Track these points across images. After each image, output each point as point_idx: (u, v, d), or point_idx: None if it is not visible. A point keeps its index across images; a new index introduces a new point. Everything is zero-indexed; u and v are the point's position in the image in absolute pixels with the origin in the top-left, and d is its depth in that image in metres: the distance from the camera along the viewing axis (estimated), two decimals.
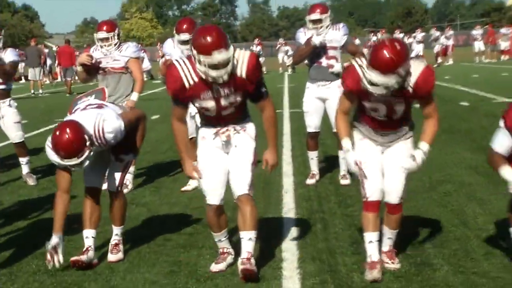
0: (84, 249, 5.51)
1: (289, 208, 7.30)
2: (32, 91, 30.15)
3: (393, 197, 5.09)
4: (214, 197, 5.13)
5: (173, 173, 9.53)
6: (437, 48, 37.03)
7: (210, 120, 5.12)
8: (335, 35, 8.12)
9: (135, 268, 5.51)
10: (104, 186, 5.90)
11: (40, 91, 31.01)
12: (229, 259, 5.34)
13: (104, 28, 8.37)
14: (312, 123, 8.48)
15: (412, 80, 4.71)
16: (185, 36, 7.90)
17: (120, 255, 5.70)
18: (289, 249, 5.87)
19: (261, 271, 5.25)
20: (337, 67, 8.19)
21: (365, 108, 4.98)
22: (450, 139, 11.35)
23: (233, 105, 5.00)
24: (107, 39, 8.31)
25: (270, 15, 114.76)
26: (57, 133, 5.02)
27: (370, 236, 5.00)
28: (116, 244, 5.74)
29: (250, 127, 5.22)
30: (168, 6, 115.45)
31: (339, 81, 8.21)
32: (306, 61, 8.53)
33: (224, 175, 5.14)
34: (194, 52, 4.67)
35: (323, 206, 7.29)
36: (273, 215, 6.97)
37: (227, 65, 4.65)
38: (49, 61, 37.62)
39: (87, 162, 5.21)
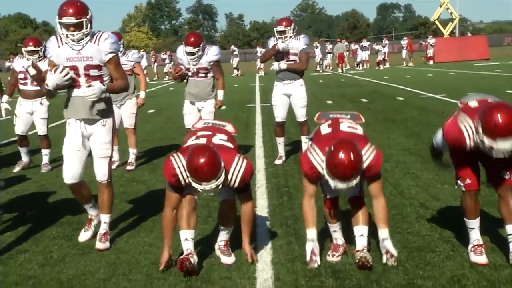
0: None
1: (261, 184, 7.29)
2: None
3: (354, 191, 4.50)
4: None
5: (167, 156, 9.42)
6: (379, 57, 37.24)
7: None
8: (296, 44, 8.16)
9: (136, 233, 5.49)
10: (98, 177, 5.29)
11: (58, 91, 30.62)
12: (195, 261, 4.39)
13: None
14: (279, 114, 8.53)
15: (365, 164, 4.19)
16: (190, 49, 7.86)
17: (107, 244, 5.12)
18: (262, 217, 5.87)
19: (238, 233, 5.23)
20: (285, 64, 8.26)
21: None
22: (389, 127, 11.45)
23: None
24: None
25: (243, 28, 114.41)
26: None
27: (333, 227, 4.72)
28: (105, 234, 5.16)
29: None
30: (160, 22, 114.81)
31: (300, 80, 8.31)
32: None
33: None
34: (188, 175, 4.15)
35: (289, 181, 7.30)
36: None
37: (217, 189, 4.19)
38: None
39: (81, 35, 4.82)
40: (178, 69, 8.10)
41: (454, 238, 4.94)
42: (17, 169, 9.00)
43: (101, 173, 5.22)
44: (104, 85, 4.97)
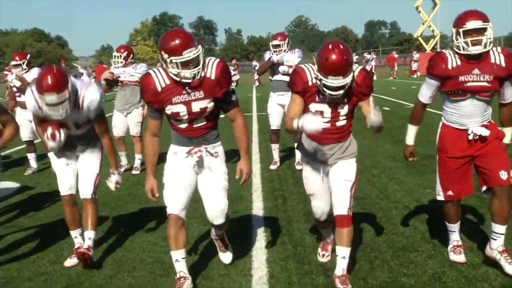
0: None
1: (257, 187, 7.27)
2: None
3: (342, 209, 3.96)
4: (174, 208, 3.99)
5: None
6: (368, 67, 37.17)
7: (183, 137, 4.06)
8: (291, 57, 8.16)
9: (140, 233, 5.47)
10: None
11: None
12: (186, 285, 3.94)
13: (122, 50, 8.57)
14: (274, 122, 8.55)
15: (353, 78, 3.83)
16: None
17: (90, 253, 4.60)
18: (257, 218, 5.87)
19: (236, 233, 5.23)
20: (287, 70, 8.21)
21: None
22: (376, 135, 11.30)
23: (204, 114, 3.93)
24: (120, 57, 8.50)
25: (241, 42, 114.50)
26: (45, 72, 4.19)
27: (324, 232, 4.60)
28: (88, 248, 4.64)
29: (221, 152, 4.20)
30: None
31: None
32: (270, 77, 8.53)
33: (189, 189, 4.09)
34: (165, 56, 3.69)
35: (283, 185, 7.29)
36: (245, 193, 6.93)
37: (198, 64, 3.74)
38: (87, 77, 37.15)
39: (64, 112, 4.28)
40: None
41: (436, 239, 4.94)
42: (28, 172, 8.99)
43: (87, 190, 4.83)
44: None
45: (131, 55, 8.67)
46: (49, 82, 4.16)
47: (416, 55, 39.78)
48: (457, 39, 4.02)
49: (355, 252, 4.12)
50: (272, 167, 8.48)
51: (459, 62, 4.05)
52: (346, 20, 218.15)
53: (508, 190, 4.08)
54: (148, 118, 4.07)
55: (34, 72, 8.67)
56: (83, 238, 4.76)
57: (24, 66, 8.54)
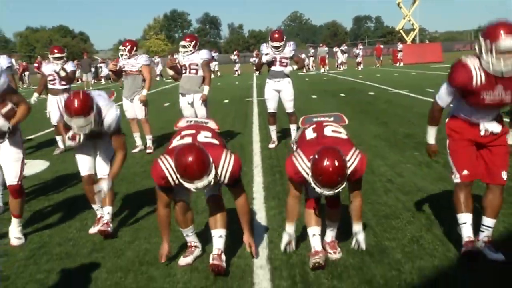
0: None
1: (257, 164, 7.25)
2: (85, 89, 29.63)
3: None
4: (178, 196, 3.86)
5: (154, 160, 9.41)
6: (358, 59, 36.76)
7: None
8: (287, 49, 8.16)
9: (154, 205, 5.41)
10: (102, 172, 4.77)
11: (91, 88, 30.61)
12: (197, 252, 4.04)
13: (126, 44, 8.60)
14: (271, 106, 8.50)
15: (350, 169, 3.51)
16: (184, 43, 8.17)
17: (109, 229, 4.56)
18: (258, 191, 5.86)
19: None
20: (287, 70, 8.28)
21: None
22: (363, 117, 11.39)
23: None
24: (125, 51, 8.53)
25: (243, 35, 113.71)
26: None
27: (312, 230, 3.89)
28: (107, 223, 4.61)
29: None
30: (174, 30, 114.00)
31: (288, 78, 8.30)
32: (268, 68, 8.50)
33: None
34: (178, 175, 3.45)
35: (280, 162, 7.27)
36: (247, 169, 6.91)
37: (208, 186, 3.44)
38: (106, 70, 36.93)
39: (88, 129, 4.22)
40: (174, 59, 8.19)
41: (414, 207, 4.95)
42: (56, 152, 8.99)
43: (104, 171, 4.72)
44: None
45: (135, 47, 8.71)
46: (76, 106, 4.12)
47: (400, 46, 39.58)
48: (486, 54, 3.31)
49: (343, 220, 4.10)
50: (271, 146, 8.46)
51: (483, 78, 3.40)
52: (336, 15, 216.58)
53: (503, 188, 3.75)
54: (159, 192, 3.74)
55: (70, 66, 8.89)
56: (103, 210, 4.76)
57: (65, 58, 8.94)
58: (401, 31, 46.53)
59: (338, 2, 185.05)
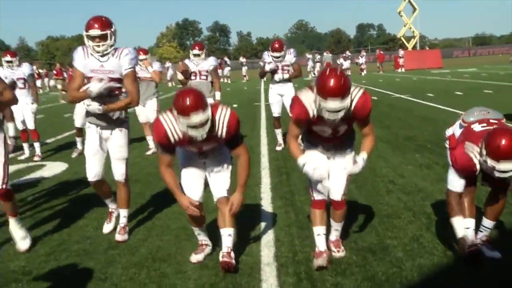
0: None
1: (265, 166, 7.25)
2: None
3: (337, 195, 3.79)
4: (194, 195, 3.80)
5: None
6: (363, 66, 36.54)
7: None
8: (288, 57, 8.27)
9: (168, 203, 5.36)
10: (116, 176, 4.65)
11: None
12: (207, 250, 4.02)
13: (141, 53, 8.61)
14: (276, 110, 8.54)
15: (352, 103, 3.44)
16: (196, 52, 8.14)
17: (126, 236, 4.51)
18: (265, 191, 5.87)
19: (247, 205, 5.23)
20: (277, 77, 8.30)
21: (312, 130, 3.72)
22: None
23: (214, 147, 3.73)
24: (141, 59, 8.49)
25: (251, 43, 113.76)
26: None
27: (317, 230, 3.80)
28: (124, 227, 4.57)
29: (225, 149, 3.83)
30: (186, 38, 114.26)
31: (291, 83, 8.32)
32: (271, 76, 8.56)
33: (201, 179, 3.87)
34: (175, 112, 3.40)
35: (287, 164, 7.27)
36: (255, 171, 6.90)
37: (205, 125, 3.39)
38: None
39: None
40: (186, 65, 8.19)
41: (415, 207, 4.92)
42: (74, 155, 9.02)
43: (119, 173, 4.58)
44: (101, 105, 4.26)
45: (147, 55, 8.82)
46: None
47: (401, 52, 39.45)
48: (486, 163, 3.31)
49: (347, 219, 4.09)
50: (278, 148, 8.46)
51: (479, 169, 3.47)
52: (339, 23, 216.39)
53: (506, 194, 3.66)
54: (161, 154, 3.72)
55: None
56: (115, 202, 4.77)
57: None
58: (402, 38, 46.40)
59: (342, 11, 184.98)
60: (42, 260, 4.15)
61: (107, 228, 4.77)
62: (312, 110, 3.48)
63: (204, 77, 8.14)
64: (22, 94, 8.70)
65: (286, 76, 8.26)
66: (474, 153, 3.43)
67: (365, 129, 3.67)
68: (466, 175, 3.59)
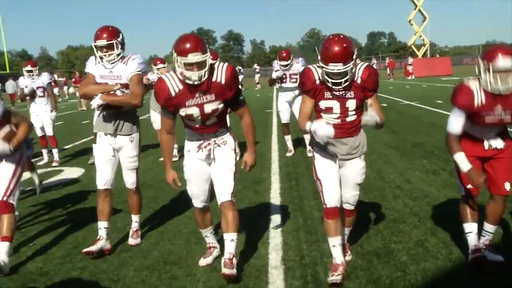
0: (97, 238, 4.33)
1: (275, 171, 7.27)
2: None
3: (350, 205, 3.71)
4: (197, 202, 3.82)
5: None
6: None
7: (195, 132, 3.67)
8: (296, 66, 8.28)
9: (179, 209, 5.46)
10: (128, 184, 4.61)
11: None
12: (215, 252, 4.02)
13: (157, 62, 8.60)
14: (284, 117, 8.60)
15: (358, 74, 3.37)
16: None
17: (138, 240, 4.56)
18: (274, 196, 5.88)
19: (256, 209, 5.27)
20: (274, 75, 8.38)
21: (321, 112, 3.50)
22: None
23: (215, 114, 3.57)
24: (159, 68, 8.52)
25: (264, 51, 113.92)
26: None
27: (332, 241, 3.57)
28: (136, 231, 4.62)
29: (230, 140, 3.75)
30: None
31: (298, 92, 8.35)
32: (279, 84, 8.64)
33: (206, 184, 3.77)
34: (174, 55, 3.39)
35: (296, 169, 7.29)
36: (266, 176, 6.96)
37: (202, 68, 3.36)
38: None
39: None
40: None
41: (421, 212, 4.91)
42: (91, 160, 9.09)
43: (130, 181, 4.57)
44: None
45: (165, 64, 8.77)
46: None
47: (410, 60, 39.28)
48: (485, 74, 3.32)
49: (354, 224, 4.08)
50: (288, 154, 8.48)
51: (483, 98, 3.38)
52: (351, 31, 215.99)
53: (506, 198, 3.64)
54: (163, 118, 3.70)
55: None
56: (106, 232, 4.39)
57: None
58: (413, 46, 46.14)
59: (354, 19, 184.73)
60: (58, 262, 4.21)
61: (91, 248, 4.25)
62: (319, 79, 3.40)
63: None
64: (41, 102, 8.88)
65: (294, 84, 8.26)
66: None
67: (373, 107, 3.46)
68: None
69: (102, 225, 4.39)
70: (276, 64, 8.39)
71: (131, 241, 4.54)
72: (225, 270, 3.50)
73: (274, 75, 8.32)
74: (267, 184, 6.48)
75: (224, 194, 3.64)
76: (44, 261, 4.28)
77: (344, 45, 3.25)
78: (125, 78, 4.27)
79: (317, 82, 3.42)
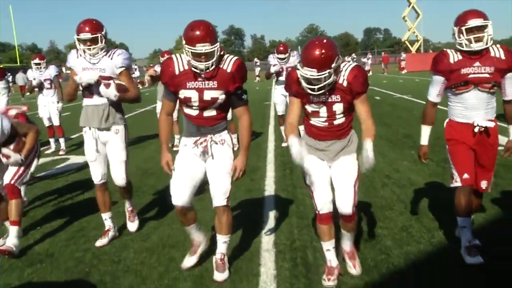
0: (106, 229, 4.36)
1: (270, 160, 7.33)
2: None
3: (346, 208, 3.24)
4: (177, 200, 3.39)
5: None
6: (367, 67, 36.38)
7: (193, 126, 3.41)
8: (292, 59, 8.34)
9: None
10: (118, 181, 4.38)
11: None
12: (200, 250, 3.66)
13: (165, 55, 8.54)
14: (280, 109, 8.64)
15: (344, 76, 3.11)
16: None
17: (136, 222, 4.60)
18: (269, 184, 5.95)
19: (252, 195, 5.33)
20: (273, 69, 8.39)
21: (308, 115, 3.34)
22: None
23: (214, 105, 3.31)
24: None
25: (264, 45, 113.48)
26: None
27: (326, 245, 3.40)
28: (132, 210, 4.59)
29: (227, 138, 3.48)
30: None
31: None
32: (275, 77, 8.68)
33: (193, 182, 3.41)
34: (183, 42, 3.16)
35: (291, 159, 7.30)
36: (261, 165, 7.01)
37: (211, 59, 3.15)
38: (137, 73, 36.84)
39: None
40: None
41: (407, 199, 4.98)
42: None
43: (119, 177, 4.32)
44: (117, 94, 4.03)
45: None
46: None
47: (403, 55, 39.23)
48: (459, 37, 3.46)
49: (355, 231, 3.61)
50: (284, 144, 8.50)
51: (460, 57, 3.50)
52: (348, 27, 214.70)
53: (481, 195, 3.80)
54: (164, 99, 3.46)
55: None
56: (112, 220, 4.41)
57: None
58: (407, 42, 46.12)
59: (351, 15, 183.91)
60: (63, 244, 4.29)
61: (100, 242, 4.25)
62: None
63: None
64: (49, 94, 8.95)
65: (274, 69, 8.33)
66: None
67: (362, 110, 3.20)
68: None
69: (107, 216, 4.38)
70: (272, 58, 8.41)
71: (129, 225, 4.57)
72: (216, 276, 3.42)
73: (273, 69, 8.34)
74: (263, 172, 6.54)
75: (219, 198, 3.39)
76: (50, 243, 4.36)
77: (323, 51, 2.97)
78: (109, 71, 4.08)
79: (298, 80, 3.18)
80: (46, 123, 9.15)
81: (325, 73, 2.99)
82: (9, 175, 4.26)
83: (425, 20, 45.46)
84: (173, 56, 3.34)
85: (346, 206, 3.22)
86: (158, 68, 8.56)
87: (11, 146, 4.26)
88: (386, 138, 8.66)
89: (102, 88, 3.98)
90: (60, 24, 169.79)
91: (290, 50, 8.40)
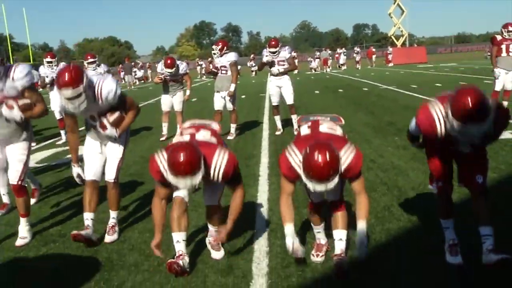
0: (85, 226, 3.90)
1: (265, 148, 7.36)
2: (128, 88, 29.88)
3: (335, 195, 3.23)
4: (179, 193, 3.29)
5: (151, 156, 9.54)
6: (357, 59, 36.27)
7: None
8: (283, 53, 8.32)
9: None
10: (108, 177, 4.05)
11: (133, 87, 30.84)
12: (185, 261, 3.19)
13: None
14: (274, 100, 8.65)
15: (346, 162, 2.89)
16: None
17: (115, 236, 3.96)
18: (263, 169, 5.98)
19: (247, 179, 5.36)
20: (274, 70, 8.37)
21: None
22: (355, 108, 11.39)
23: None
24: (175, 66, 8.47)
25: (260, 41, 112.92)
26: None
27: (317, 228, 3.46)
28: (113, 226, 4.01)
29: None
30: (202, 38, 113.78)
31: (287, 76, 8.45)
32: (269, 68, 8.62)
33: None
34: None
35: (284, 146, 7.17)
36: (256, 152, 7.04)
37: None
38: (140, 73, 36.70)
39: (80, 106, 3.47)
40: (208, 66, 8.44)
41: (390, 181, 5.03)
42: None
43: (110, 171, 4.02)
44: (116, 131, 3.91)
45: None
46: (66, 78, 3.39)
47: (390, 49, 39.15)
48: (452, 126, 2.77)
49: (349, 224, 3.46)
50: (277, 133, 8.57)
51: (444, 131, 2.89)
52: (338, 23, 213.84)
53: (483, 193, 3.06)
54: (157, 186, 3.22)
55: (103, 67, 9.07)
56: (92, 223, 3.93)
57: (98, 62, 9.37)
58: (392, 36, 46.03)
59: (341, 12, 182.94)
60: (74, 226, 4.33)
61: (108, 239, 3.97)
62: (300, 169, 2.88)
63: (224, 72, 8.34)
64: None
65: (282, 69, 8.33)
66: (437, 110, 2.88)
67: (356, 184, 3.03)
68: (431, 140, 3.11)
69: (88, 216, 3.91)
70: (265, 52, 8.41)
71: (107, 238, 3.93)
72: (214, 254, 3.47)
73: (265, 59, 8.36)
74: (257, 159, 6.57)
75: (212, 199, 3.44)
76: (63, 225, 4.42)
77: (330, 169, 2.71)
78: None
79: (298, 174, 2.93)
80: (57, 116, 9.15)
81: (335, 181, 2.77)
82: (15, 175, 4.04)
83: (410, 16, 45.33)
84: (157, 159, 3.04)
85: (335, 194, 3.22)
86: (159, 66, 8.63)
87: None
88: (371, 126, 8.69)
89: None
90: (69, 24, 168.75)
91: (282, 45, 8.40)
